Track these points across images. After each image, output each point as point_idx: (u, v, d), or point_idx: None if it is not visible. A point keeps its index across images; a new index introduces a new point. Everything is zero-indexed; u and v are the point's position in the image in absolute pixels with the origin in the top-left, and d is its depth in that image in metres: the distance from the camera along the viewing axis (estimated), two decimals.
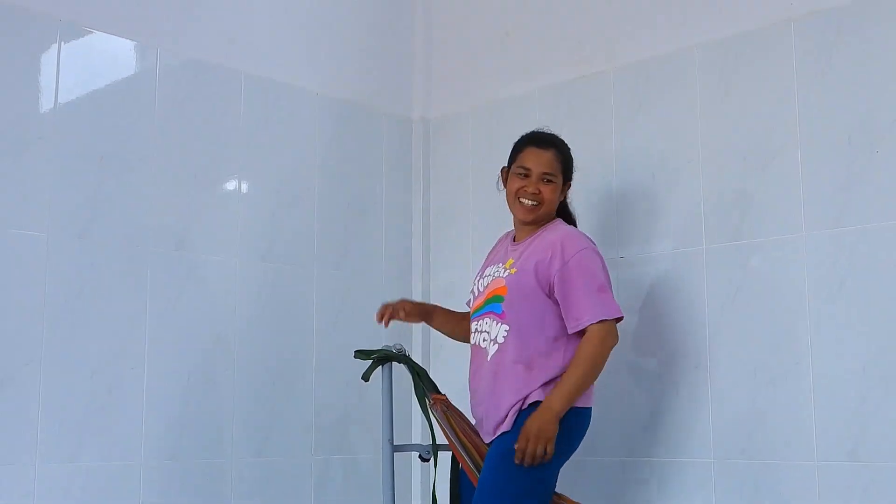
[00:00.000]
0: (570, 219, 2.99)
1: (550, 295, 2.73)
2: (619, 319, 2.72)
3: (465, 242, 3.81)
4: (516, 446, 2.57)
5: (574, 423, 2.68)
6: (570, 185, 2.96)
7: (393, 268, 3.86)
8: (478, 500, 2.65)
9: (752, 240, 3.05)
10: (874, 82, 2.83)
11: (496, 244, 3.07)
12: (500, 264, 2.89)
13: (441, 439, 2.68)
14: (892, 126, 2.81)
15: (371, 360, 2.59)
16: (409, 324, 3.81)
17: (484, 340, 2.81)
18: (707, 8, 3.24)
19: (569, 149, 2.96)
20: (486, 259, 3.04)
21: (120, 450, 2.97)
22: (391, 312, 2.97)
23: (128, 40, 3.11)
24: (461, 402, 3.03)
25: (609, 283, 2.75)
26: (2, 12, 2.81)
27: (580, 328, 2.66)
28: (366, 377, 2.58)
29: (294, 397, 3.46)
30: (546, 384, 2.68)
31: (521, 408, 2.67)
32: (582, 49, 3.56)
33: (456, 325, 3.12)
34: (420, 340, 3.85)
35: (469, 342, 2.94)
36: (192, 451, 3.14)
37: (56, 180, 2.91)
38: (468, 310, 3.02)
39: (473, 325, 2.89)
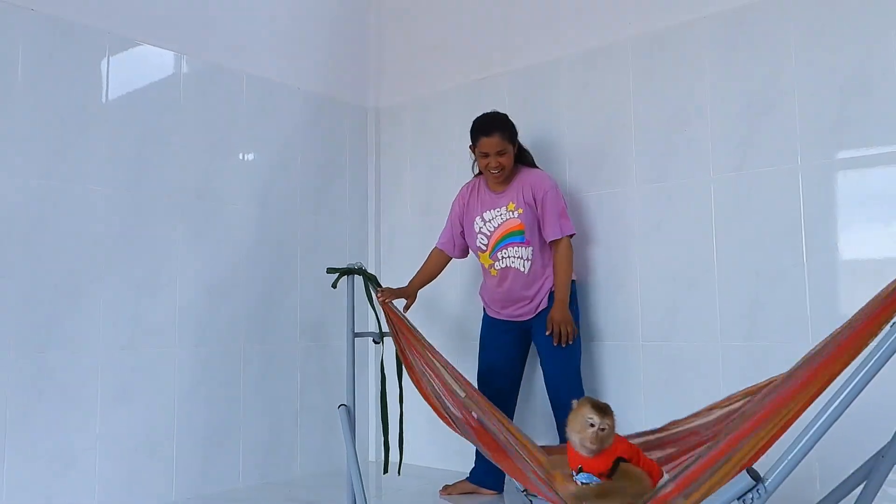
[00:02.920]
0: (528, 155, 3.03)
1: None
2: (573, 235, 2.90)
3: (405, 200, 3.85)
4: (553, 331, 2.77)
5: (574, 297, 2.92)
6: (517, 144, 2.97)
7: (354, 216, 3.87)
8: (564, 355, 2.82)
9: (609, 190, 3.08)
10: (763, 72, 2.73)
11: (470, 194, 3.05)
12: (500, 208, 2.94)
13: (385, 327, 2.66)
14: (699, 114, 2.84)
15: (336, 273, 2.58)
16: (370, 250, 3.88)
17: (515, 262, 2.91)
18: (614, 11, 3.12)
19: (507, 121, 2.94)
20: (469, 205, 3.03)
21: (161, 339, 3.01)
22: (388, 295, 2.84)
23: (160, 49, 3.08)
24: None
25: (565, 208, 2.90)
26: (66, 28, 2.79)
27: (552, 239, 2.86)
28: (334, 285, 2.56)
29: (285, 302, 3.48)
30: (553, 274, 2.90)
31: (551, 289, 2.87)
32: (482, 57, 3.56)
33: (433, 276, 3.12)
34: (373, 262, 3.90)
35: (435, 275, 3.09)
36: (213, 341, 3.18)
37: (110, 151, 2.90)
38: (438, 248, 3.10)
39: (495, 255, 2.95)
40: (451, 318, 3.57)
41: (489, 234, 2.98)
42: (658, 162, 2.96)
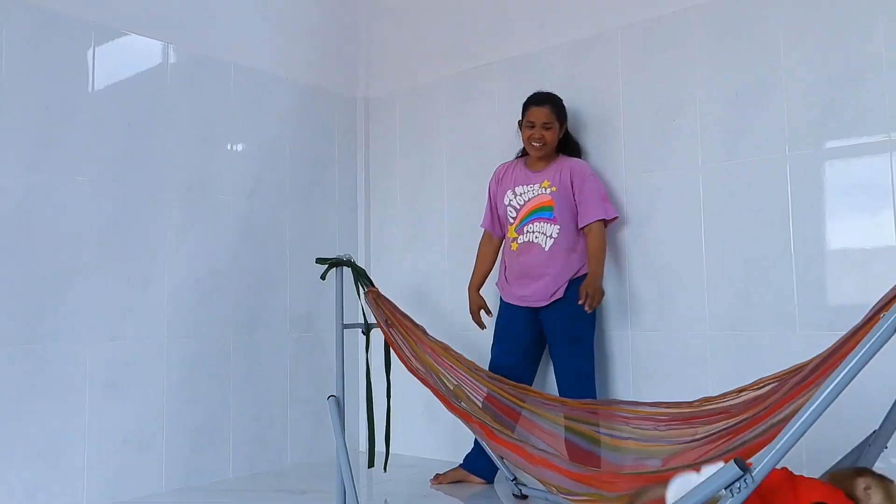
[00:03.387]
0: (576, 146, 3.05)
1: (574, 203, 2.91)
2: (614, 219, 2.91)
3: (394, 189, 3.85)
4: (581, 300, 2.77)
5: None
6: (565, 125, 3.00)
7: (344, 207, 3.86)
8: (572, 345, 2.85)
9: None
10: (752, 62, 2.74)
11: (505, 171, 3.08)
12: (533, 184, 2.96)
13: (371, 319, 2.69)
14: (688, 103, 2.88)
15: (326, 265, 2.55)
16: (359, 240, 3.87)
17: (537, 238, 2.92)
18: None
19: (561, 100, 2.98)
20: (503, 181, 3.06)
21: (150, 331, 3.01)
22: (479, 317, 3.09)
23: (147, 38, 3.06)
24: (397, 292, 3.10)
25: (607, 195, 2.93)
26: (51, 17, 2.76)
27: (587, 222, 2.87)
28: (323, 276, 2.53)
29: (275, 293, 3.48)
30: (585, 262, 2.90)
31: (570, 279, 2.87)
32: (472, 47, 3.56)
33: (488, 261, 3.16)
34: (363, 252, 3.89)
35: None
36: (202, 332, 3.18)
37: (98, 143, 2.88)
38: (485, 229, 3.13)
39: (520, 229, 2.96)
40: (445, 310, 3.56)
41: (518, 207, 2.99)
42: (647, 152, 2.97)
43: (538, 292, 2.91)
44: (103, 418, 2.83)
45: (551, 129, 2.93)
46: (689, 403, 2.05)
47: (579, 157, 3.06)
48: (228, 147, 3.35)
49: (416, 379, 2.35)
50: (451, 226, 3.57)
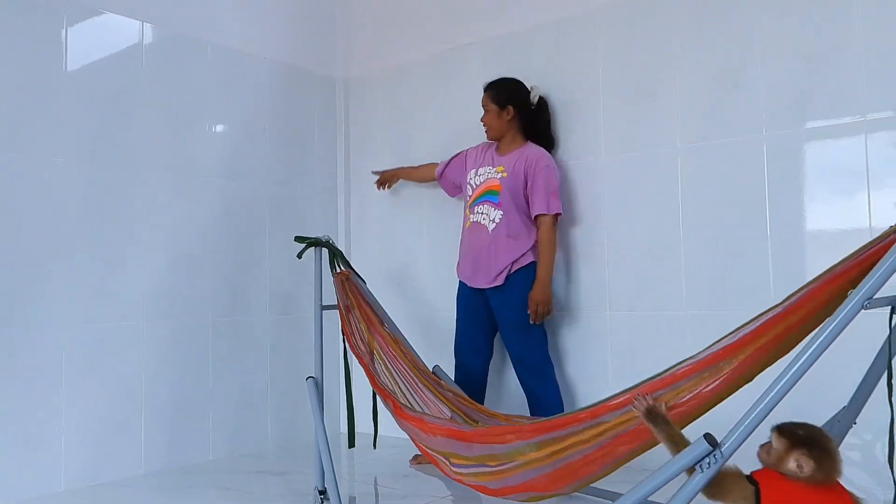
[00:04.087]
0: (549, 139, 3.08)
1: (525, 192, 2.94)
2: (559, 215, 2.94)
3: (373, 167, 3.78)
4: (530, 311, 2.84)
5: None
6: (510, 110, 3.00)
7: (323, 185, 3.86)
8: (518, 334, 2.90)
9: (577, 160, 3.08)
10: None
11: (478, 150, 3.16)
12: (492, 167, 3.03)
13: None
14: (660, 82, 2.90)
15: (305, 244, 2.53)
16: (339, 222, 3.88)
17: (483, 219, 2.98)
18: None
19: (504, 84, 3.03)
20: (474, 158, 3.14)
21: (128, 312, 2.99)
22: (382, 183, 3.55)
23: (123, 17, 3.02)
24: (377, 273, 3.11)
25: (557, 189, 2.94)
26: None
27: (534, 215, 2.91)
28: (299, 255, 2.51)
29: (254, 274, 3.47)
30: (531, 249, 2.92)
31: (510, 269, 2.90)
32: (453, 26, 3.55)
33: (417, 175, 3.46)
34: (343, 233, 3.88)
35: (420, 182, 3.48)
36: (181, 314, 3.16)
37: (73, 122, 2.85)
38: (431, 163, 3.39)
39: (472, 209, 3.04)
40: (426, 291, 3.57)
41: (475, 187, 3.07)
42: (626, 132, 2.98)
43: (479, 274, 2.98)
44: (81, 401, 2.82)
45: (489, 113, 3.01)
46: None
47: (540, 143, 3.06)
48: (206, 127, 3.32)
49: (380, 360, 2.43)
50: (432, 207, 3.57)
